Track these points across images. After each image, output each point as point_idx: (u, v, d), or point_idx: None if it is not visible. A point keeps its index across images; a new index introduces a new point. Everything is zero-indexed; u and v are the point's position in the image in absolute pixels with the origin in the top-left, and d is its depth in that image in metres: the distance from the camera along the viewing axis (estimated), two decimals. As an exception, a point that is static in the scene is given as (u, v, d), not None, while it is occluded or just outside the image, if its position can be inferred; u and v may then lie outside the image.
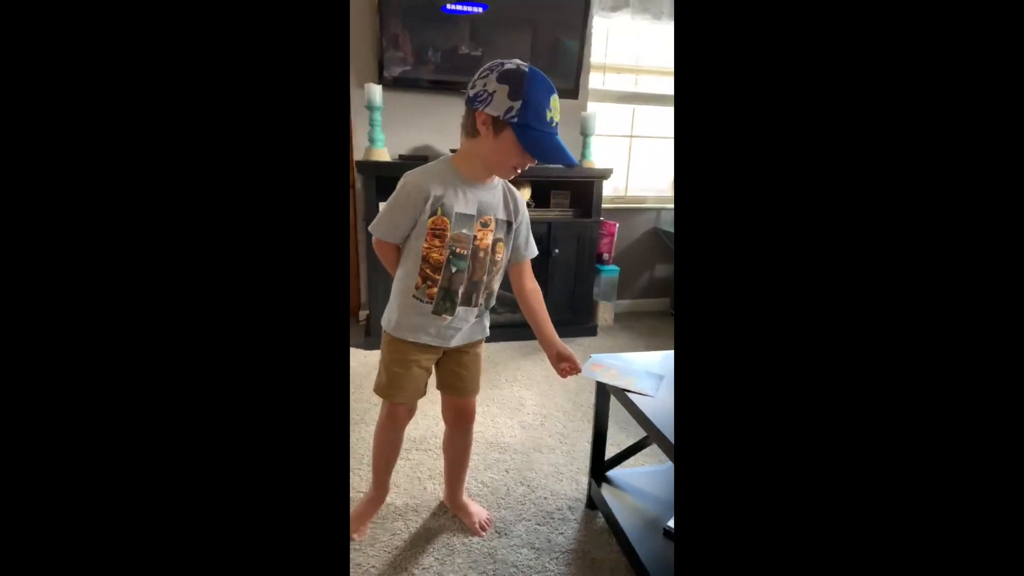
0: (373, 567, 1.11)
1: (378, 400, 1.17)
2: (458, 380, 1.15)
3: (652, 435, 0.95)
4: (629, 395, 1.04)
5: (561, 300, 2.49)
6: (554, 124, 0.92)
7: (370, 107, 2.16)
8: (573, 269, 2.49)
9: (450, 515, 1.28)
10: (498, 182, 1.04)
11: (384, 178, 2.12)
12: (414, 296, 1.02)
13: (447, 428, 1.24)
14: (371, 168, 2.16)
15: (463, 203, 0.99)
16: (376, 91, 2.15)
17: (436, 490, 1.36)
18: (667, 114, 2.92)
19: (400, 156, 2.37)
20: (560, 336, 1.11)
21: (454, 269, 1.01)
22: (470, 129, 0.95)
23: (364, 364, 2.11)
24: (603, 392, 1.23)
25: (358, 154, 2.33)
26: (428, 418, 1.69)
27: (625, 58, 2.81)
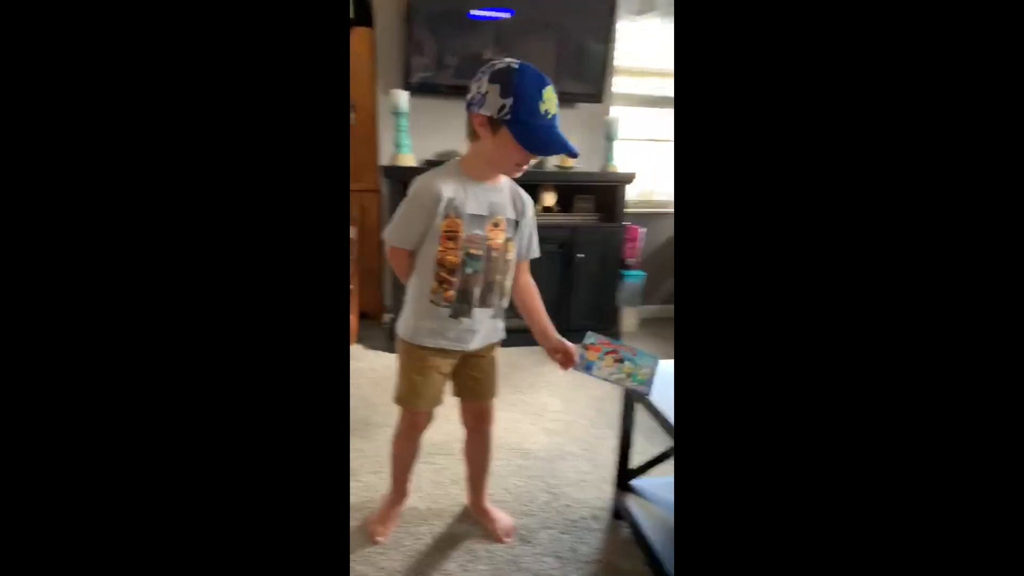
0: (397, 571, 1.11)
1: (403, 404, 1.17)
2: (475, 384, 1.15)
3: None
4: (654, 405, 1.02)
5: (585, 305, 2.47)
6: (550, 116, 0.91)
7: (396, 112, 2.18)
8: (597, 274, 2.46)
9: (473, 520, 1.28)
10: (505, 183, 1.04)
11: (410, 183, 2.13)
12: (431, 301, 1.02)
13: (467, 432, 1.24)
14: (397, 173, 2.17)
15: (475, 204, 0.99)
16: (403, 96, 2.17)
17: (459, 495, 1.36)
18: (694, 117, 2.87)
19: (426, 161, 2.39)
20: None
21: (470, 270, 1.01)
22: (471, 132, 0.97)
23: (389, 367, 2.12)
24: (628, 400, 1.22)
25: (384, 159, 2.35)
26: (451, 422, 1.67)
27: (652, 62, 2.78)
